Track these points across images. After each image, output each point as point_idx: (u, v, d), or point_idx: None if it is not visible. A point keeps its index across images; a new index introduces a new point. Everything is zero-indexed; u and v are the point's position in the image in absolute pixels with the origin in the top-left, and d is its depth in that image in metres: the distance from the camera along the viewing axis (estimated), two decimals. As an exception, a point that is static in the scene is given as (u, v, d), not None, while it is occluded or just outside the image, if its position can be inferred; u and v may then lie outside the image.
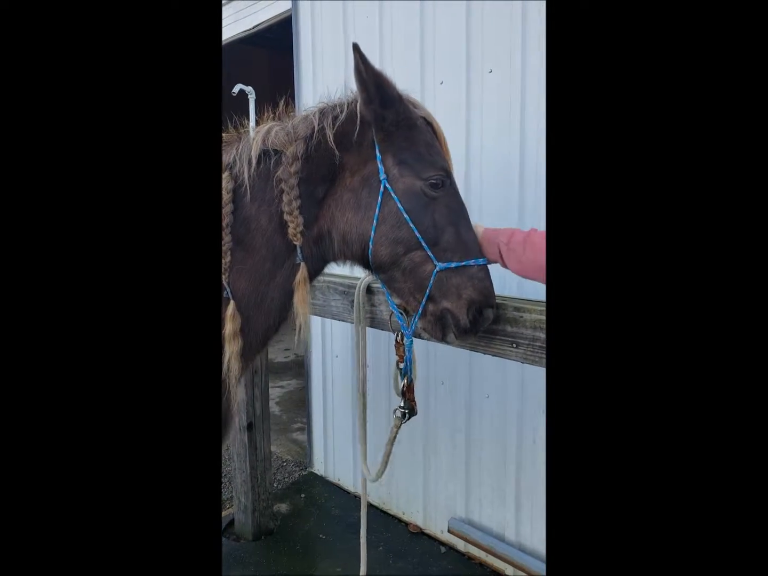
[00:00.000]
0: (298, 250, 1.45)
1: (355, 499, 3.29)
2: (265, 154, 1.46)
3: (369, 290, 1.97)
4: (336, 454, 3.56)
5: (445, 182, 1.45)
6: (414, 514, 3.11)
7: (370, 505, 3.25)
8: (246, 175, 1.45)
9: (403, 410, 1.65)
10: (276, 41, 6.22)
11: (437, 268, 1.40)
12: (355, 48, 1.32)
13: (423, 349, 2.72)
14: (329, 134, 1.44)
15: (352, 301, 1.94)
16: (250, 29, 3.99)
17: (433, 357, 2.84)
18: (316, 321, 3.45)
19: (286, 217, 1.43)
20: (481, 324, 1.46)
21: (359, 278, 2.01)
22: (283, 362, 6.22)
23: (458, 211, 1.48)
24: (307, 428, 3.75)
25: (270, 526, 3.06)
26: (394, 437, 1.58)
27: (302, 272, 1.46)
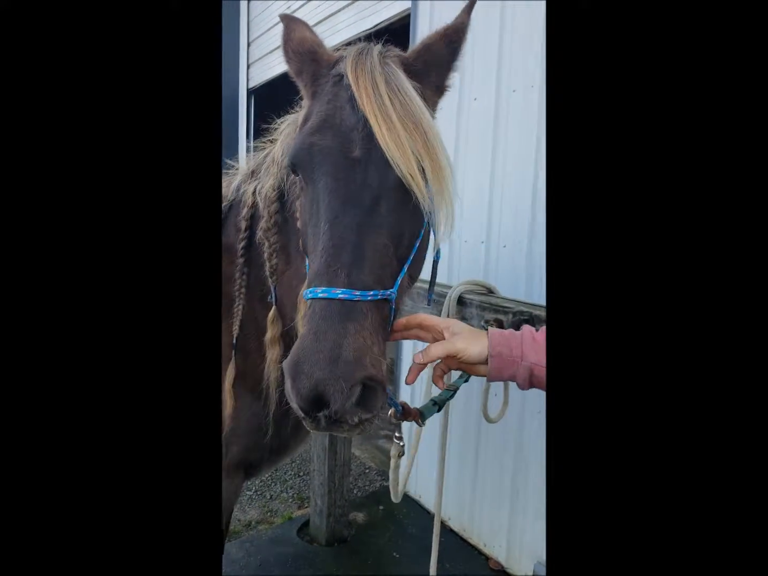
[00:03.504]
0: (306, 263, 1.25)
1: (435, 520, 3.10)
2: None
3: (461, 301, 1.79)
4: (419, 470, 3.39)
5: (296, 165, 1.00)
6: (496, 549, 2.84)
7: (449, 531, 3.05)
8: (284, 175, 1.31)
9: (398, 441, 1.14)
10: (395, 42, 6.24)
11: (303, 296, 0.96)
12: (282, 18, 1.09)
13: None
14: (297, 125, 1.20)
15: (441, 310, 1.78)
16: (370, 28, 3.97)
17: (532, 381, 2.57)
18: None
19: (298, 224, 1.22)
20: (304, 411, 0.85)
21: (451, 287, 1.84)
22: (379, 365, 6.18)
23: (322, 205, 0.95)
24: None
25: (344, 533, 2.98)
26: (396, 468, 1.25)
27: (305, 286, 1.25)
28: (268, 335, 1.33)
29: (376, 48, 1.06)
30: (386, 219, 0.95)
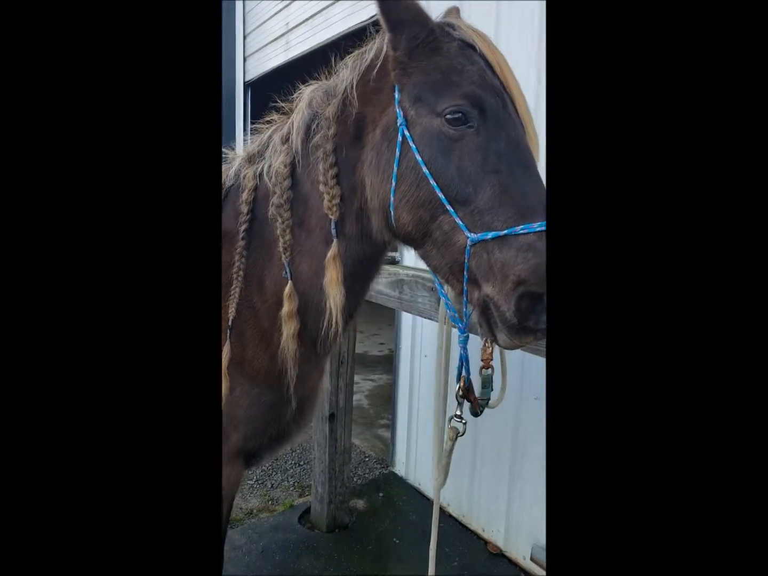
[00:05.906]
0: (332, 225, 1.29)
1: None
2: (313, 120, 1.33)
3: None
4: (418, 458, 3.44)
5: (469, 114, 1.07)
6: (494, 533, 2.90)
7: (449, 517, 3.10)
8: (298, 147, 1.34)
9: (459, 420, 1.28)
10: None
11: (469, 241, 1.04)
12: None
13: (518, 358, 2.50)
14: (353, 84, 1.25)
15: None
16: (365, 20, 3.97)
17: (527, 367, 2.61)
18: (407, 317, 3.36)
19: (321, 188, 1.29)
20: (535, 318, 1.00)
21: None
22: (377, 356, 6.21)
23: (504, 153, 1.06)
24: (391, 428, 3.67)
25: (345, 520, 3.03)
26: (451, 450, 1.33)
27: (333, 249, 1.29)
28: (285, 310, 1.34)
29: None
30: None
